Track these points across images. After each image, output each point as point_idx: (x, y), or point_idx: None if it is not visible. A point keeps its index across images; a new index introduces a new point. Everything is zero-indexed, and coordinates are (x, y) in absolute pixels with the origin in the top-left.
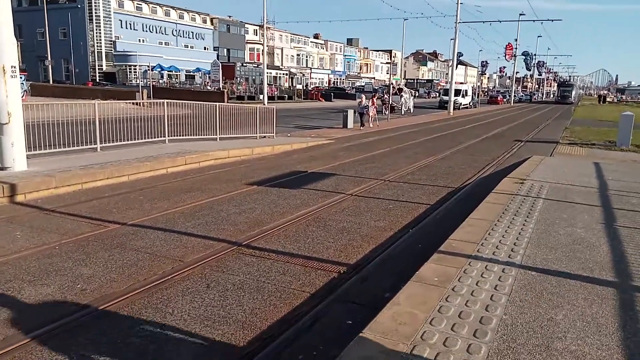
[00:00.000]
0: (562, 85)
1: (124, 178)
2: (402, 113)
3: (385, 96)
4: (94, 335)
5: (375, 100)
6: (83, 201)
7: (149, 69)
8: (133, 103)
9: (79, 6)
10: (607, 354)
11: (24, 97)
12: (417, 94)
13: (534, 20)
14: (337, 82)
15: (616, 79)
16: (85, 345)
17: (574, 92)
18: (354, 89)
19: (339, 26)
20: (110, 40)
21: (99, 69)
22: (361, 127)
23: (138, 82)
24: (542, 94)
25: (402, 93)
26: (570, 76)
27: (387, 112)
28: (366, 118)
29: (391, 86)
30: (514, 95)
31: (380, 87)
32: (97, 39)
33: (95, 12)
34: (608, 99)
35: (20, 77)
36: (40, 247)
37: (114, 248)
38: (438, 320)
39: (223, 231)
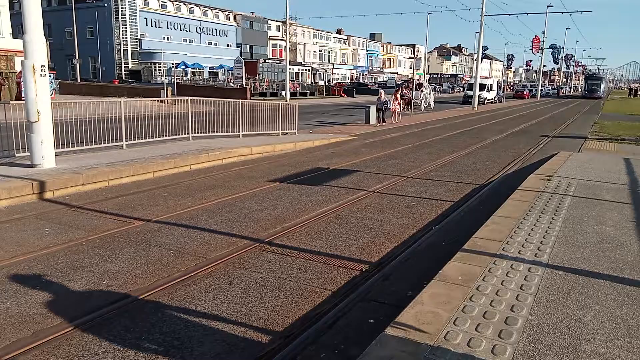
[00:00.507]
0: (589, 77)
1: (149, 175)
2: (422, 109)
3: (405, 91)
4: (119, 331)
5: (398, 95)
6: (109, 198)
7: (173, 67)
8: (158, 100)
9: (106, 5)
10: (637, 357)
11: (52, 96)
12: (441, 89)
13: (562, 12)
14: (359, 77)
15: None
16: (111, 340)
17: (602, 86)
18: (377, 85)
19: (361, 21)
20: (136, 38)
21: (124, 66)
22: (382, 124)
23: (162, 79)
24: (570, 88)
25: (422, 88)
26: (598, 68)
27: (404, 109)
28: (387, 114)
29: (411, 81)
30: (541, 90)
31: (401, 82)
32: (123, 37)
33: (122, 11)
34: (639, 93)
35: (50, 76)
36: (68, 244)
37: (138, 244)
38: (462, 320)
39: (245, 228)
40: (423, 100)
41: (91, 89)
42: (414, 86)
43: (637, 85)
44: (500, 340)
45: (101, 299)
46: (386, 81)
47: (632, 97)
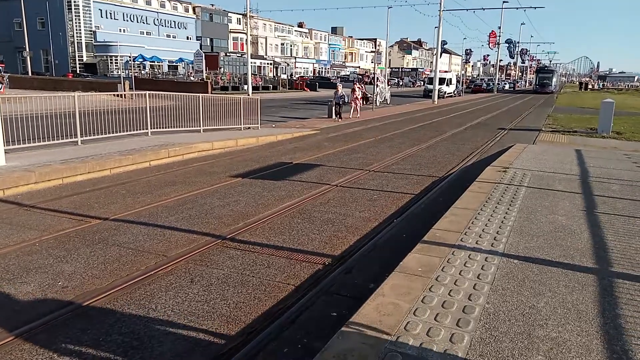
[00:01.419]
0: (540, 70)
1: (106, 172)
2: (377, 104)
3: (358, 86)
4: (75, 333)
5: (357, 89)
6: (64, 196)
7: (130, 60)
8: (115, 95)
9: None
10: (587, 340)
11: (1, 90)
12: (402, 83)
13: (517, 8)
14: (322, 71)
15: (598, 66)
16: (67, 343)
17: (554, 79)
18: (339, 78)
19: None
20: (90, 30)
21: (79, 59)
22: (339, 119)
23: (119, 73)
24: (525, 82)
25: (378, 82)
26: (550, 62)
27: (363, 103)
28: (346, 109)
29: (365, 75)
30: (498, 84)
31: (354, 76)
32: (76, 29)
33: (75, 1)
34: (590, 86)
35: None
36: (20, 245)
37: (95, 244)
38: (422, 310)
39: (207, 225)
40: (378, 95)
41: (44, 83)
42: (370, 80)
43: (587, 79)
44: (458, 328)
45: (56, 301)
46: (348, 75)
47: (583, 90)
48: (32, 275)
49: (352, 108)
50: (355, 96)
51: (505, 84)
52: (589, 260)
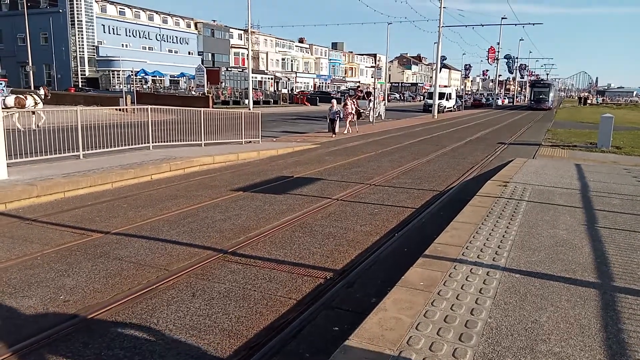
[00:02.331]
0: (536, 84)
1: (108, 186)
2: (371, 120)
3: (350, 101)
4: (77, 347)
5: (349, 104)
6: (65, 210)
7: (132, 74)
8: (117, 109)
9: (61, 11)
10: (590, 354)
11: (39, 104)
12: (404, 98)
13: (515, 24)
14: (322, 86)
15: (596, 81)
16: (68, 357)
17: (551, 94)
18: (339, 93)
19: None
20: (93, 45)
21: (81, 74)
22: (333, 135)
23: (121, 87)
24: (524, 97)
25: (371, 97)
26: (548, 74)
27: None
28: (343, 123)
29: (359, 89)
30: (496, 98)
31: (347, 91)
32: (79, 44)
33: (78, 17)
34: (589, 101)
35: (0, 84)
36: (22, 258)
37: (97, 258)
38: (424, 325)
39: (208, 238)
40: (371, 111)
41: (46, 97)
42: (363, 94)
43: (586, 93)
44: (460, 343)
45: (58, 314)
46: (348, 89)
47: (582, 105)
48: (33, 289)
49: (347, 123)
50: (348, 111)
51: (505, 98)
52: (591, 274)
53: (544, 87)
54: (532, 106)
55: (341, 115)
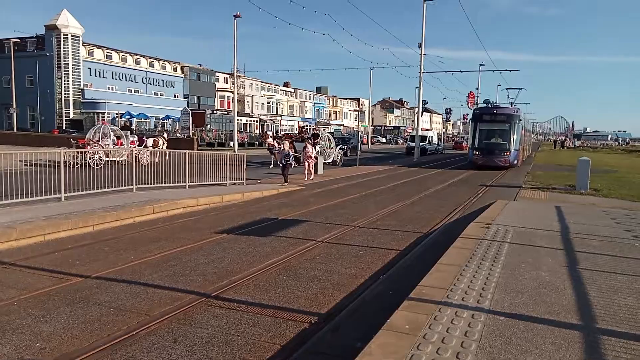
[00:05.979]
0: (483, 115)
1: (89, 228)
2: (318, 170)
3: (308, 143)
4: None
5: (309, 147)
6: (45, 253)
7: (117, 116)
8: (101, 151)
9: (48, 54)
10: None
11: (162, 147)
12: (386, 140)
13: (492, 71)
14: (307, 128)
15: (572, 125)
16: None
17: (514, 135)
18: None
19: (308, 75)
20: (79, 88)
21: (65, 116)
22: (284, 183)
23: None
24: None
25: (319, 140)
26: (512, 103)
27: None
28: (288, 170)
29: (317, 130)
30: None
31: (309, 132)
32: (64, 87)
33: (64, 60)
34: (566, 145)
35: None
36: None
37: (76, 303)
38: None
39: (191, 282)
40: (319, 155)
41: (28, 139)
42: (309, 136)
43: (564, 137)
44: None
45: None
46: (332, 132)
47: (560, 148)
48: (8, 336)
49: (306, 169)
50: (307, 154)
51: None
52: (574, 316)
53: (501, 121)
54: (475, 161)
55: (290, 161)
